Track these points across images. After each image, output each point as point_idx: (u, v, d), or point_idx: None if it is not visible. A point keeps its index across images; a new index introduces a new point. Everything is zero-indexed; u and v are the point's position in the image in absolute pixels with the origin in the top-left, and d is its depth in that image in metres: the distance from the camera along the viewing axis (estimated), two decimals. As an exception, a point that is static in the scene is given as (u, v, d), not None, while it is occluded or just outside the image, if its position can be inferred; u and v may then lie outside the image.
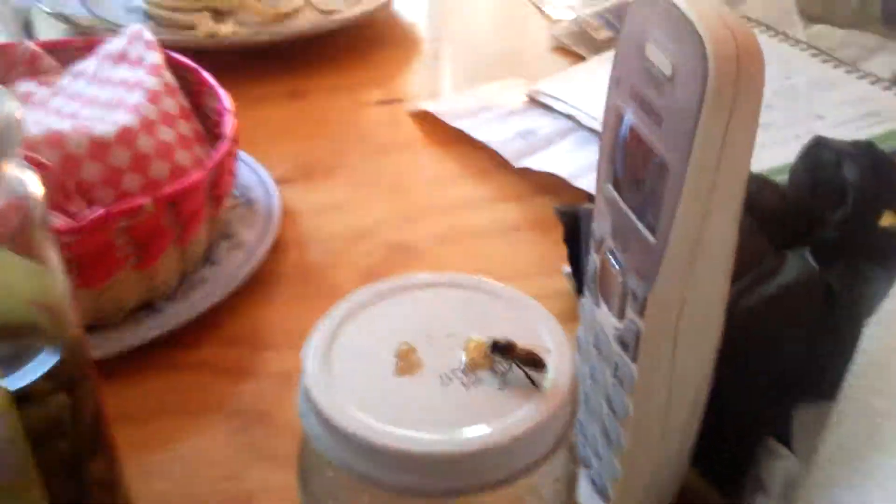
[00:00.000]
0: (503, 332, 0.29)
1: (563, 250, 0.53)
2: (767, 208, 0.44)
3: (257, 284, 0.57)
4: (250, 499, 0.44)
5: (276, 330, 0.54)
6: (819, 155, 0.46)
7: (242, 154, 0.66)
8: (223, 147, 0.54)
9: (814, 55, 0.75)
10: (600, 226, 0.37)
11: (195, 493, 0.45)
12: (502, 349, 0.28)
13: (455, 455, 0.26)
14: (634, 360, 0.35)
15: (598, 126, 0.65)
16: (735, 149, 0.30)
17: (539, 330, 0.30)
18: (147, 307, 0.53)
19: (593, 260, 0.38)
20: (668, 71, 0.30)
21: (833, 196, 0.45)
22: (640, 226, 0.33)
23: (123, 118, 0.54)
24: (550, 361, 0.29)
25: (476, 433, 0.27)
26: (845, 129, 0.64)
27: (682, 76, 0.30)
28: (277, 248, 0.59)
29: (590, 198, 0.59)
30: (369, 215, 0.63)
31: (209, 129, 0.61)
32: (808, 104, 0.68)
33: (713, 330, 0.35)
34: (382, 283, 0.32)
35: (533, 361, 0.28)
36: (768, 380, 0.39)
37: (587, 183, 0.60)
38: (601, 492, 0.40)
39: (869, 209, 0.44)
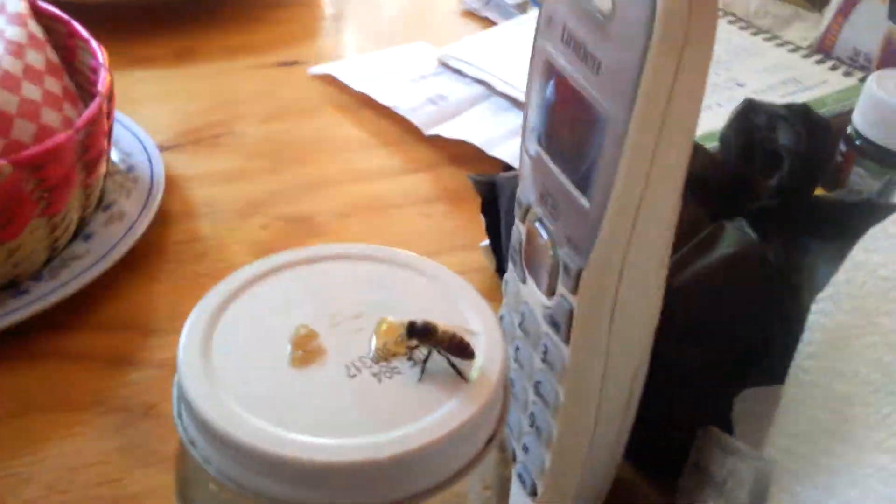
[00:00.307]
0: (421, 313, 0.24)
1: (479, 224, 0.49)
2: (699, 175, 0.41)
3: (139, 261, 0.51)
4: (134, 504, 0.39)
5: (161, 313, 0.49)
6: (751, 119, 0.43)
7: (122, 117, 0.59)
8: (95, 105, 0.48)
9: (731, 22, 0.73)
10: (526, 191, 0.33)
11: (69, 500, 0.39)
12: (421, 332, 0.24)
13: (365, 465, 0.21)
14: (566, 341, 0.31)
15: (513, 92, 0.61)
16: (683, 99, 0.27)
17: (463, 310, 0.26)
18: (10, 287, 0.47)
19: (518, 230, 0.34)
20: (606, 6, 0.26)
21: (767, 162, 0.43)
22: (573, 189, 0.29)
23: (-22, 71, 0.47)
24: (478, 347, 0.24)
25: (390, 437, 0.22)
26: (766, 96, 0.61)
27: (624, 13, 0.26)
28: (161, 221, 0.53)
29: (506, 167, 0.55)
30: (264, 186, 0.58)
31: (82, 87, 0.54)
32: (728, 71, 0.65)
33: (652, 307, 0.32)
34: (275, 257, 0.27)
35: (458, 347, 0.24)
36: (706, 362, 0.36)
37: (503, 152, 0.56)
38: (528, 487, 0.36)
39: (806, 175, 0.41)
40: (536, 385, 0.34)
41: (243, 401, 0.23)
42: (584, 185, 0.29)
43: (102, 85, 0.50)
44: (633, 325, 0.31)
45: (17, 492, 0.39)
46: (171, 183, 0.57)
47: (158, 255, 0.52)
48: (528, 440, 0.35)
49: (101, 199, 0.53)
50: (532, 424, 0.35)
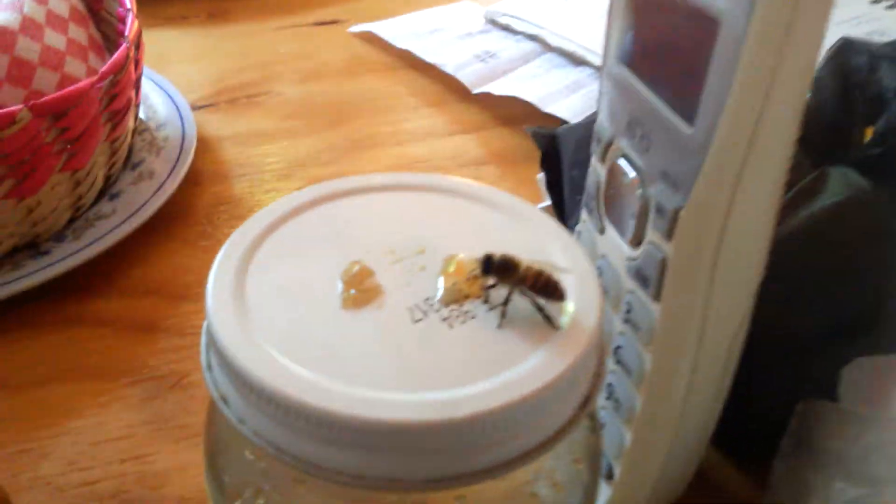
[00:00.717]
0: (497, 248, 0.20)
1: (533, 187, 0.45)
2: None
3: (168, 223, 0.47)
4: (161, 483, 0.36)
5: (191, 278, 0.45)
6: (848, 60, 0.38)
7: (154, 75, 0.56)
8: (122, 51, 0.44)
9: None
10: (607, 123, 0.28)
11: (92, 477, 0.36)
12: (500, 268, 0.20)
13: (440, 425, 0.17)
14: (656, 297, 0.27)
15: (569, 46, 0.57)
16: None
17: (546, 246, 0.21)
18: (30, 248, 0.44)
19: (595, 172, 0.29)
20: None
21: (868, 106, 0.38)
22: (671, 113, 0.25)
23: (-2, 16, 0.43)
24: (570, 287, 0.20)
25: (467, 392, 0.18)
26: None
27: None
28: (193, 182, 0.50)
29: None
30: (302, 147, 0.54)
31: (109, 38, 0.51)
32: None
33: (760, 257, 0.27)
34: (324, 185, 0.23)
35: (545, 286, 0.20)
36: (810, 326, 0.31)
37: (560, 108, 0.51)
38: (603, 469, 0.31)
39: (916, 121, 0.36)
40: (616, 351, 0.29)
41: (285, 347, 0.18)
42: (685, 106, 0.24)
43: (130, 31, 0.46)
44: (738, 279, 0.27)
45: (34, 466, 0.36)
46: (205, 143, 0.53)
47: (189, 217, 0.48)
48: (605, 415, 0.31)
49: (128, 157, 0.50)
50: (609, 396, 0.30)
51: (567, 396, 0.19)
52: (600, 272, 0.30)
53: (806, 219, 0.31)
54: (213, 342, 0.19)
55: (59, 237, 0.44)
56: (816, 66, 0.39)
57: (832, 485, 0.27)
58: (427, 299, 0.20)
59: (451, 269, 0.21)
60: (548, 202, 0.44)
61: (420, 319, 0.19)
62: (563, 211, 0.43)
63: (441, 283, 0.20)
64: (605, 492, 0.31)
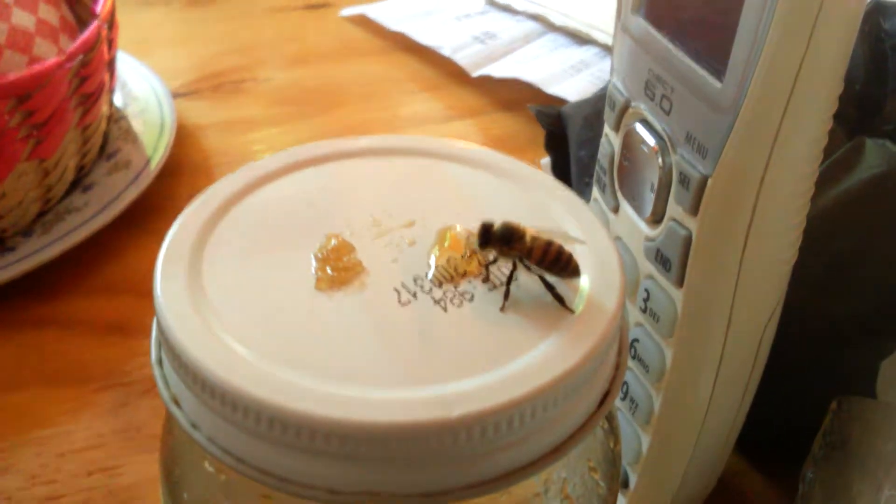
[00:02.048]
0: (502, 216, 0.17)
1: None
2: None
3: (145, 216, 0.44)
4: (130, 497, 0.33)
5: (169, 273, 0.41)
6: (880, 24, 0.35)
7: (133, 61, 0.52)
8: (92, 29, 0.41)
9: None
10: (621, 85, 0.25)
11: (56, 491, 0.33)
12: (502, 238, 0.16)
13: (425, 429, 0.14)
14: (679, 282, 0.24)
15: (574, 24, 0.53)
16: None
17: (559, 217, 0.18)
18: (-6, 244, 0.40)
19: (608, 143, 0.26)
20: None
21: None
22: (698, 67, 0.22)
23: (-42, -7, 0.40)
24: (585, 261, 0.17)
25: (462, 388, 0.15)
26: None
27: None
28: (173, 172, 0.46)
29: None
30: (290, 134, 0.51)
31: (83, 19, 0.47)
32: None
33: (794, 235, 0.24)
34: (298, 149, 0.20)
35: (556, 260, 0.16)
36: (847, 313, 0.28)
37: (565, 89, 0.48)
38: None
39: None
40: (633, 345, 0.26)
41: (246, 337, 0.15)
42: (713, 59, 0.21)
43: (102, 8, 0.43)
44: (770, 260, 0.24)
45: (-7, 481, 0.32)
46: (187, 131, 0.50)
47: (167, 210, 0.45)
48: (619, 418, 0.28)
49: (103, 147, 0.47)
50: (625, 396, 0.27)
51: (582, 393, 0.16)
52: (614, 256, 0.27)
53: (841, 194, 0.28)
54: (162, 333, 0.16)
55: (26, 232, 0.41)
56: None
57: (881, 491, 0.23)
58: (417, 278, 0.17)
59: (446, 243, 0.17)
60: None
61: (408, 302, 0.16)
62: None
63: (433, 260, 0.17)
64: (620, 502, 0.28)
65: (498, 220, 0.17)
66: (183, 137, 0.49)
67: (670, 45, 0.22)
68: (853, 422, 0.26)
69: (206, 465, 0.17)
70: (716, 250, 0.23)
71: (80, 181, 0.44)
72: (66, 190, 0.43)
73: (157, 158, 0.45)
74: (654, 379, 0.26)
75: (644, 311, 0.25)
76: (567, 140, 0.39)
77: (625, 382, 0.27)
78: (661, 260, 0.24)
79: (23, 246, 0.40)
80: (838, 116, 0.33)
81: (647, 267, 0.25)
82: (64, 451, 0.34)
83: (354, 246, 0.17)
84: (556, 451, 0.15)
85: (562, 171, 0.40)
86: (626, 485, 0.28)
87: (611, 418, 0.19)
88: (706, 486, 0.29)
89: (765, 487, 0.32)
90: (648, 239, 0.25)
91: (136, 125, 0.48)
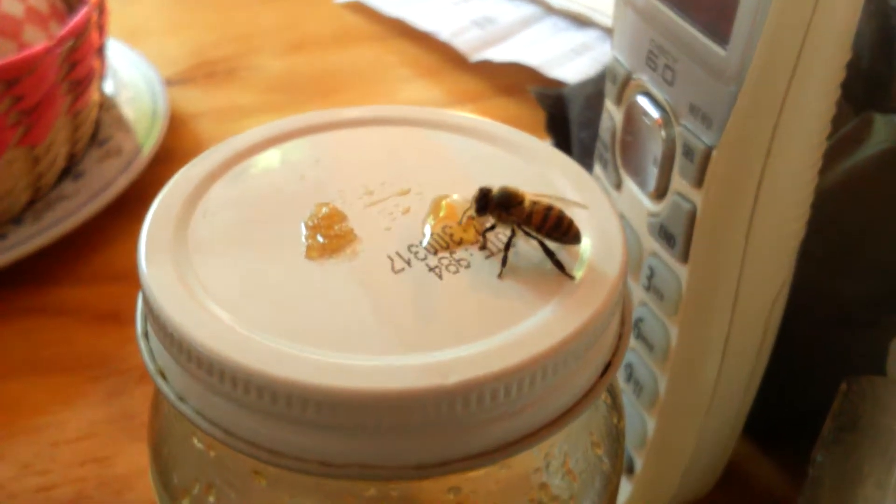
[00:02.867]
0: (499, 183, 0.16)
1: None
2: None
3: (137, 204, 0.43)
4: (124, 487, 0.32)
5: (163, 261, 0.41)
6: (885, 0, 0.35)
7: (124, 48, 0.52)
8: (82, 14, 0.40)
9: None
10: (623, 57, 0.24)
11: (48, 482, 0.32)
12: (500, 204, 0.16)
13: (419, 396, 0.13)
14: (683, 258, 0.23)
15: (575, 7, 0.53)
16: None
17: (558, 183, 0.18)
18: (-16, 232, 0.39)
19: (610, 117, 0.26)
20: None
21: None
22: (701, 34, 0.21)
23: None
24: (585, 227, 0.16)
25: (458, 354, 0.14)
26: None
27: None
28: (165, 160, 0.46)
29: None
30: (286, 122, 0.50)
31: (73, 6, 0.47)
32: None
33: (802, 208, 0.23)
34: (287, 120, 0.19)
35: (556, 225, 0.16)
36: (857, 293, 0.28)
37: (567, 72, 0.47)
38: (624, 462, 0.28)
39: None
40: (637, 324, 0.26)
41: (233, 306, 0.15)
42: (717, 25, 0.20)
43: (92, -7, 0.42)
44: (778, 235, 0.23)
45: (-16, 471, 0.32)
46: (180, 119, 0.49)
47: (161, 198, 0.44)
48: (624, 400, 0.27)
49: (95, 134, 0.46)
50: (629, 378, 0.27)
51: (583, 362, 0.15)
52: (616, 233, 0.26)
53: (850, 170, 0.27)
54: (147, 303, 0.15)
55: (16, 220, 0.41)
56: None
57: (892, 469, 0.23)
58: (411, 246, 0.16)
59: (441, 212, 0.17)
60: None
61: (402, 269, 0.16)
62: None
63: (428, 228, 0.16)
64: (625, 488, 0.28)
65: (497, 186, 0.16)
66: (176, 125, 0.48)
67: (672, 14, 0.22)
68: (864, 401, 0.26)
69: (195, 441, 0.16)
70: (721, 224, 0.22)
71: (71, 169, 0.44)
72: (56, 177, 0.43)
73: (149, 146, 0.45)
74: (659, 359, 0.25)
75: (648, 289, 0.25)
76: (568, 122, 0.38)
77: (629, 364, 0.27)
78: (665, 236, 0.23)
79: (13, 234, 0.40)
80: (846, 93, 0.33)
81: (651, 244, 0.24)
82: (57, 440, 0.33)
83: (346, 214, 0.17)
84: (556, 423, 0.15)
85: (564, 152, 0.39)
86: (631, 470, 0.28)
87: (614, 393, 0.18)
88: (714, 470, 0.28)
89: (774, 472, 0.31)
90: (652, 214, 0.24)
91: (128, 112, 0.47)
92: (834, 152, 0.28)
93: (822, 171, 0.28)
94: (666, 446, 0.26)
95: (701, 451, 0.27)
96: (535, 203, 0.16)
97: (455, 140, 0.19)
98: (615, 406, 0.18)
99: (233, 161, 0.18)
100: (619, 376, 0.27)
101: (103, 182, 0.43)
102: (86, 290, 0.40)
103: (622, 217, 0.25)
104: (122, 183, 0.43)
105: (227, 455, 0.16)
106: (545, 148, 0.19)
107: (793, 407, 0.30)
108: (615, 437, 0.18)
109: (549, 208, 0.16)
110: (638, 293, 0.25)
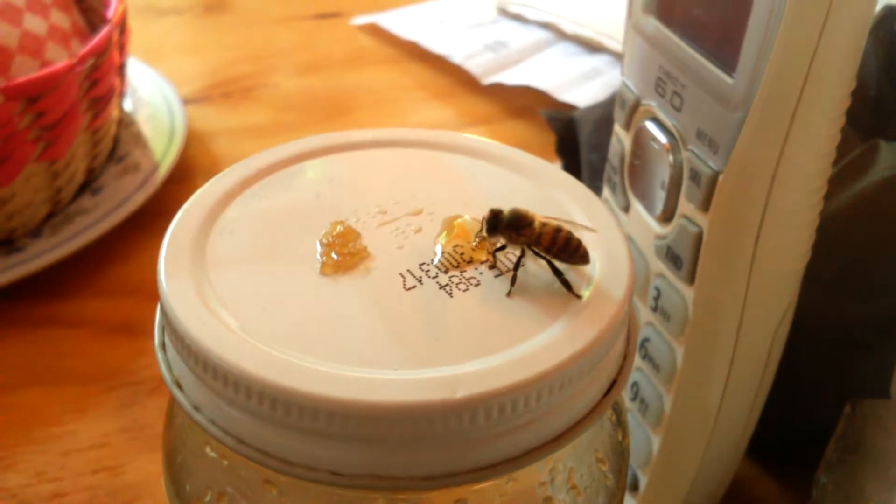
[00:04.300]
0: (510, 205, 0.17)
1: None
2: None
3: (153, 219, 0.44)
4: (135, 496, 0.33)
5: (177, 275, 0.41)
6: (893, 28, 0.35)
7: (144, 68, 0.53)
8: (103, 34, 0.41)
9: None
10: (632, 84, 0.25)
11: (60, 489, 0.33)
12: (510, 224, 0.16)
13: (428, 410, 0.14)
14: (690, 280, 0.23)
15: (586, 33, 0.53)
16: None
17: (568, 207, 0.18)
18: (4, 244, 0.41)
19: (619, 141, 0.26)
20: None
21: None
22: (709, 63, 0.21)
23: (-29, -3, 0.41)
24: (594, 249, 0.17)
25: (466, 370, 0.14)
26: None
27: None
28: (182, 177, 0.46)
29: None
30: (301, 140, 0.50)
31: (95, 25, 0.48)
32: None
33: (807, 232, 0.24)
34: (305, 141, 0.19)
35: (564, 247, 0.16)
36: (863, 316, 0.28)
37: (577, 96, 0.48)
38: (627, 479, 0.28)
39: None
40: (643, 344, 0.26)
41: (249, 319, 0.15)
42: (724, 53, 0.21)
43: (113, 14, 0.43)
44: (783, 258, 0.23)
45: (-1, 478, 0.32)
46: (197, 137, 0.50)
47: (175, 214, 0.45)
48: (629, 418, 0.28)
49: (113, 150, 0.47)
50: (635, 397, 0.27)
51: (589, 379, 0.15)
52: (623, 255, 0.26)
53: (856, 195, 0.28)
54: (165, 316, 0.16)
55: (35, 233, 0.41)
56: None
57: (893, 490, 0.23)
58: (423, 264, 0.17)
59: (453, 231, 0.17)
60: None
61: (413, 287, 0.16)
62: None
63: (440, 247, 0.17)
64: (629, 505, 0.28)
65: (507, 208, 0.17)
66: (193, 143, 0.49)
67: (681, 42, 0.22)
68: (866, 424, 0.26)
69: (208, 450, 0.17)
70: (727, 247, 0.23)
71: (89, 184, 0.44)
72: (75, 192, 0.43)
73: (167, 163, 0.45)
74: (665, 379, 0.25)
75: (655, 309, 0.25)
76: (578, 144, 0.38)
77: (635, 383, 0.27)
78: (672, 258, 0.24)
79: (32, 246, 0.40)
80: (853, 120, 0.33)
81: (658, 265, 0.25)
82: (69, 449, 0.34)
83: (360, 233, 0.17)
84: (561, 438, 0.15)
85: (574, 175, 0.40)
86: (635, 487, 0.28)
87: (619, 411, 0.19)
88: (717, 489, 0.28)
89: (778, 492, 0.31)
90: (659, 237, 0.24)
91: (147, 130, 0.48)
92: (840, 178, 0.28)
93: (829, 197, 0.28)
94: (670, 465, 0.27)
95: (705, 471, 0.27)
96: (544, 224, 0.16)
97: (466, 162, 0.19)
98: (620, 423, 0.18)
99: (250, 180, 0.18)
100: (625, 395, 0.27)
101: (121, 197, 0.43)
102: (101, 302, 0.40)
103: (630, 239, 0.26)
104: (139, 199, 0.43)
105: (240, 464, 0.16)
106: (555, 171, 0.19)
107: (798, 428, 0.30)
108: (620, 454, 0.18)
109: (559, 230, 0.16)
110: (645, 314, 0.26)
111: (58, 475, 0.33)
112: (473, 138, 0.20)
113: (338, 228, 0.17)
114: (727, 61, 0.21)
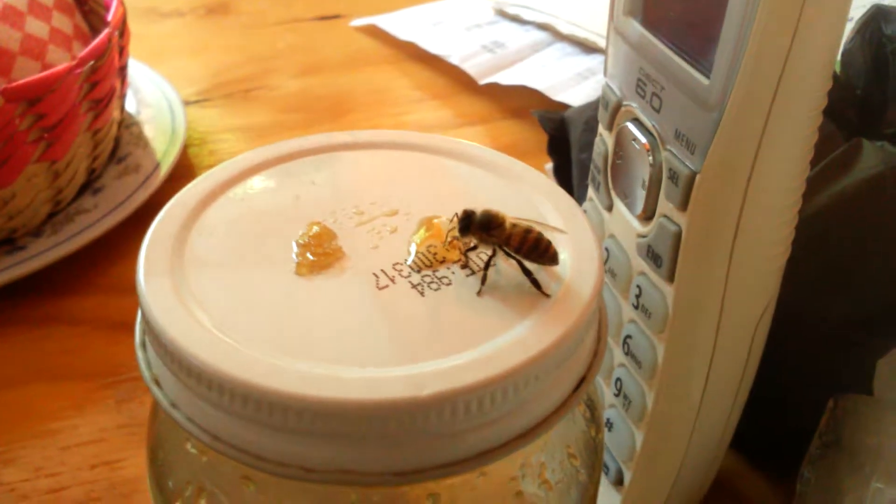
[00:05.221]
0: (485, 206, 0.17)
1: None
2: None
3: (153, 219, 0.44)
4: (132, 490, 0.33)
5: (176, 274, 0.42)
6: (881, 29, 0.35)
7: (146, 70, 0.53)
8: (103, 37, 0.41)
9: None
10: (614, 85, 0.25)
11: (59, 483, 0.33)
12: (482, 225, 0.17)
13: (396, 406, 0.14)
14: (669, 278, 0.24)
15: (582, 34, 0.54)
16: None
17: (542, 208, 0.18)
18: (6, 243, 0.41)
19: (602, 142, 0.26)
20: None
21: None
22: (686, 64, 0.22)
23: (-26, 1, 0.41)
24: (565, 250, 0.17)
25: (434, 367, 0.15)
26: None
27: None
28: (183, 177, 0.47)
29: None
30: (300, 141, 0.51)
31: (97, 28, 0.48)
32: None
33: (785, 230, 0.24)
34: (284, 143, 0.20)
35: (534, 247, 0.17)
36: (844, 313, 0.28)
37: (571, 97, 0.48)
38: (611, 474, 0.28)
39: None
40: (625, 341, 0.26)
41: (224, 319, 0.16)
42: (700, 55, 0.21)
43: (113, 16, 0.43)
44: (761, 256, 0.24)
45: (-3, 472, 0.33)
46: (198, 137, 0.51)
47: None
48: (613, 414, 0.28)
49: (114, 151, 0.47)
50: (619, 393, 0.27)
51: (557, 375, 0.16)
52: (608, 254, 0.27)
53: (839, 193, 0.28)
54: (145, 318, 0.16)
55: (37, 232, 0.42)
56: (847, 38, 0.36)
57: (868, 486, 0.23)
58: (396, 264, 0.17)
59: (427, 231, 0.18)
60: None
61: (386, 286, 0.17)
62: (573, 197, 0.40)
63: (414, 247, 0.17)
64: (614, 500, 0.28)
65: (479, 209, 0.17)
66: (194, 143, 0.50)
67: (660, 45, 0.23)
68: (846, 419, 0.26)
69: (189, 447, 0.17)
70: (705, 246, 0.23)
71: (90, 184, 0.45)
72: (76, 192, 0.44)
73: (167, 163, 0.46)
74: (647, 375, 0.26)
75: (636, 307, 0.25)
76: (569, 144, 0.39)
77: (618, 379, 0.27)
78: (653, 256, 0.24)
79: (33, 245, 0.41)
80: (838, 119, 0.33)
81: (640, 263, 0.25)
82: (68, 444, 0.34)
83: (336, 233, 0.18)
84: (530, 433, 0.16)
85: (565, 174, 0.40)
86: (620, 481, 0.28)
87: (593, 407, 0.19)
88: (702, 484, 0.29)
89: (765, 488, 0.31)
90: (640, 235, 0.25)
91: (148, 131, 0.49)
92: (823, 177, 0.29)
93: (812, 195, 0.28)
94: (654, 459, 0.27)
95: (689, 465, 0.27)
96: (514, 225, 0.17)
97: (444, 163, 0.20)
98: (594, 419, 0.19)
99: (232, 182, 0.19)
100: (610, 390, 0.28)
101: (121, 197, 0.44)
102: (101, 300, 0.41)
103: (613, 237, 0.26)
104: (139, 198, 0.44)
105: (218, 460, 0.16)
106: (532, 173, 0.20)
107: (784, 424, 0.30)
108: (593, 450, 0.19)
109: (529, 231, 0.17)
110: (627, 311, 0.26)
111: (57, 470, 0.33)
112: (452, 140, 0.20)
113: (314, 229, 0.17)
114: (703, 63, 0.21)
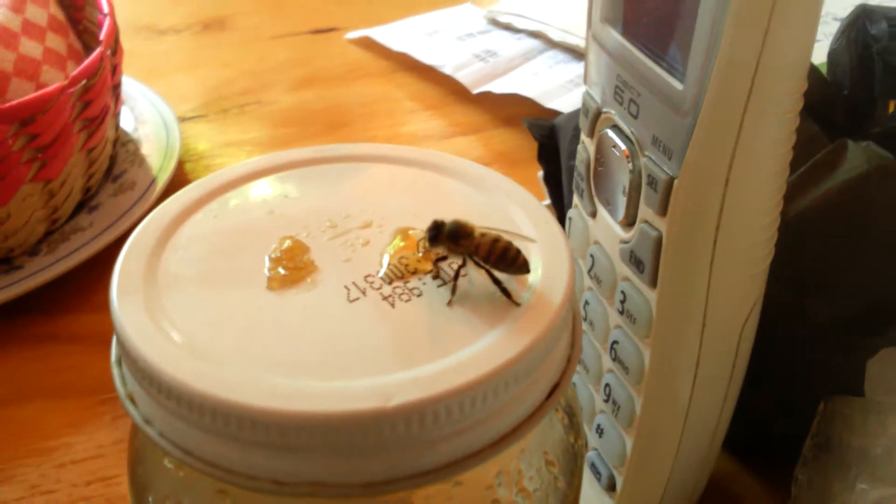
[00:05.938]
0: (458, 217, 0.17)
1: (536, 186, 0.42)
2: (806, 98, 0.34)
3: (149, 235, 0.44)
4: (129, 508, 0.33)
5: (172, 290, 0.42)
6: (866, 29, 0.35)
7: (141, 86, 0.54)
8: (95, 56, 0.42)
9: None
10: (594, 92, 0.25)
11: (55, 501, 0.33)
12: (451, 235, 0.17)
13: (363, 418, 0.14)
14: (652, 283, 0.24)
15: (573, 41, 0.54)
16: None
17: (516, 217, 0.18)
18: (2, 262, 0.42)
19: (585, 149, 0.26)
20: None
21: (889, 79, 0.34)
22: (660, 69, 0.22)
23: (-32, 23, 0.42)
24: (536, 258, 0.17)
25: (402, 378, 0.15)
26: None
27: None
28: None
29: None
30: (296, 154, 0.51)
31: (91, 47, 0.49)
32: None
33: (766, 233, 0.24)
34: (262, 159, 0.20)
35: (503, 256, 0.17)
36: (833, 314, 0.28)
37: (563, 103, 0.48)
38: (603, 480, 0.28)
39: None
40: (613, 347, 0.26)
41: (195, 336, 0.16)
42: (674, 60, 0.21)
43: (105, 33, 0.44)
44: (743, 259, 0.24)
45: (-7, 492, 0.33)
46: (194, 154, 0.51)
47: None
48: (603, 420, 0.28)
49: (110, 169, 0.47)
50: (608, 399, 0.27)
51: (529, 383, 0.16)
52: (593, 260, 0.27)
53: (824, 193, 0.28)
54: (119, 334, 0.17)
55: (33, 251, 0.42)
56: (833, 38, 0.36)
57: (854, 487, 0.23)
58: (367, 276, 0.17)
59: (400, 243, 0.18)
60: (549, 200, 0.41)
61: (357, 298, 0.17)
62: (563, 204, 0.40)
63: (386, 259, 0.17)
64: (607, 506, 0.28)
65: (449, 219, 0.17)
66: (189, 159, 0.50)
67: (636, 51, 0.23)
68: (836, 421, 0.26)
69: (166, 462, 0.17)
70: (686, 250, 0.23)
71: (86, 202, 0.45)
72: (72, 210, 0.44)
73: (163, 180, 0.46)
74: (635, 380, 0.26)
75: (622, 312, 0.25)
76: (559, 151, 0.39)
77: (607, 384, 0.27)
78: (635, 261, 0.24)
79: (29, 264, 0.41)
80: (823, 120, 0.33)
81: (623, 269, 0.25)
82: (64, 461, 0.34)
83: (309, 247, 0.18)
84: (503, 441, 0.16)
85: (555, 181, 0.40)
86: (612, 487, 0.28)
87: (571, 413, 0.19)
88: (695, 487, 0.29)
89: (759, 491, 0.31)
90: (623, 241, 0.25)
91: (143, 148, 0.49)
92: (808, 178, 0.28)
93: (797, 196, 0.28)
94: (644, 464, 0.27)
95: (679, 469, 0.27)
96: (483, 235, 0.17)
97: (419, 175, 0.20)
98: (572, 426, 0.19)
99: (209, 196, 0.19)
100: (599, 396, 0.28)
101: (117, 215, 0.44)
102: (97, 318, 0.41)
103: (597, 244, 0.26)
104: (133, 215, 0.44)
105: (194, 475, 0.16)
106: (506, 182, 0.20)
107: (778, 427, 0.30)
108: (572, 456, 0.19)
109: (497, 240, 0.17)
110: (613, 317, 0.26)
111: (53, 487, 0.34)
112: (427, 151, 0.21)
113: (286, 243, 0.17)
114: (677, 68, 0.21)
